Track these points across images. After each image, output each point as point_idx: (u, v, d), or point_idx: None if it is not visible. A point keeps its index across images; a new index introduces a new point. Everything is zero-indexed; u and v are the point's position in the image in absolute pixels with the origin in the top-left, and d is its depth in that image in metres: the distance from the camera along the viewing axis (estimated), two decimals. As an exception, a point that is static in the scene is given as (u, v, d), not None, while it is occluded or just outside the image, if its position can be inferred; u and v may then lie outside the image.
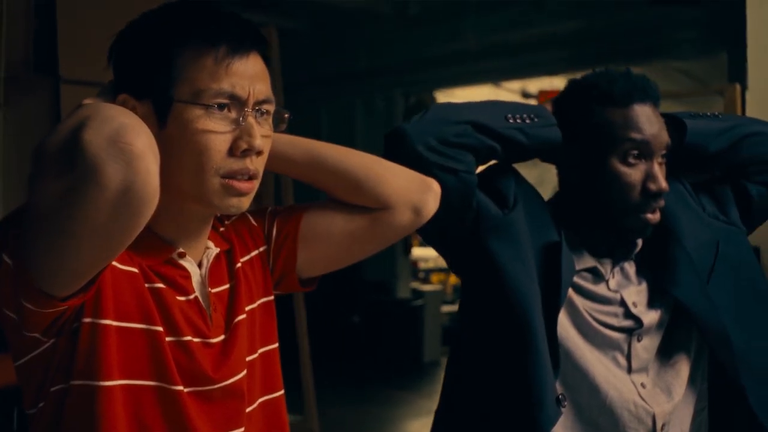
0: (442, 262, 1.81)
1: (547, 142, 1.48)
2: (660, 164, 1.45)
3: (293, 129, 1.16)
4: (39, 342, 1.00)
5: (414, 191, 1.27)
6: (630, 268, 1.53)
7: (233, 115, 1.04)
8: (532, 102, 8.93)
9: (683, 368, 1.50)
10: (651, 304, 1.50)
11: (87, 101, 1.00)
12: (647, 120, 1.44)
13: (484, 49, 7.35)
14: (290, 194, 4.33)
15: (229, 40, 1.04)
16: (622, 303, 1.48)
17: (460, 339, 1.57)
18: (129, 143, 0.85)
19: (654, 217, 1.45)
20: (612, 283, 1.50)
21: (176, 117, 1.03)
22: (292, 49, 6.18)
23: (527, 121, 1.45)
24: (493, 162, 1.54)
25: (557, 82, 9.26)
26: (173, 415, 1.06)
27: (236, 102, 1.04)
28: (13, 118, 3.84)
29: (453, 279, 11.92)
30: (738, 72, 4.11)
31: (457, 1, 6.95)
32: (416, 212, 1.26)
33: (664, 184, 1.44)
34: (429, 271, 10.07)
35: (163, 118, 1.03)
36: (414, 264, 9.79)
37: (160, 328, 1.06)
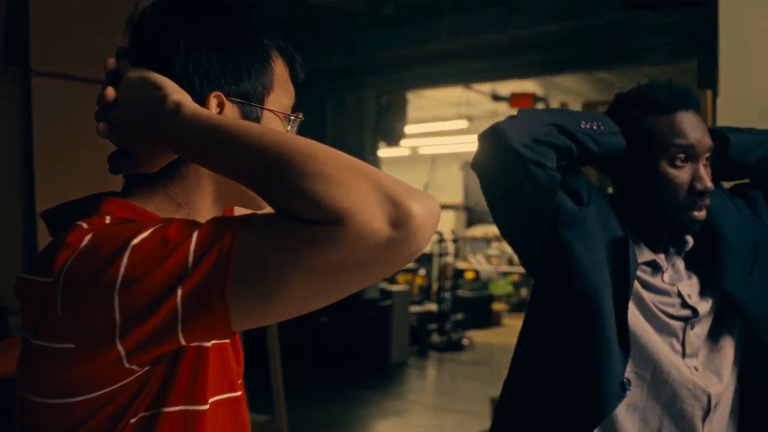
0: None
1: (613, 150, 1.61)
2: (705, 166, 1.60)
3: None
4: (129, 372, 0.87)
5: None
6: (680, 263, 1.67)
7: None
8: (504, 104, 8.98)
9: (729, 353, 1.65)
10: (701, 295, 1.65)
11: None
12: (691, 125, 1.59)
13: (457, 50, 7.36)
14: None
15: (296, 56, 1.08)
16: (679, 294, 1.63)
17: (527, 334, 1.69)
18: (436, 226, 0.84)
19: (701, 214, 1.60)
20: (666, 277, 1.64)
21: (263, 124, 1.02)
22: (264, 46, 6.13)
23: (595, 128, 1.59)
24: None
25: (529, 85, 9.31)
26: (239, 419, 1.04)
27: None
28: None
29: (419, 279, 11.95)
30: (708, 79, 4.14)
31: (432, 1, 6.95)
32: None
33: (709, 183, 1.58)
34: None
35: None
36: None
37: None
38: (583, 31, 6.68)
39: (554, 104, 8.81)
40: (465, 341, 10.08)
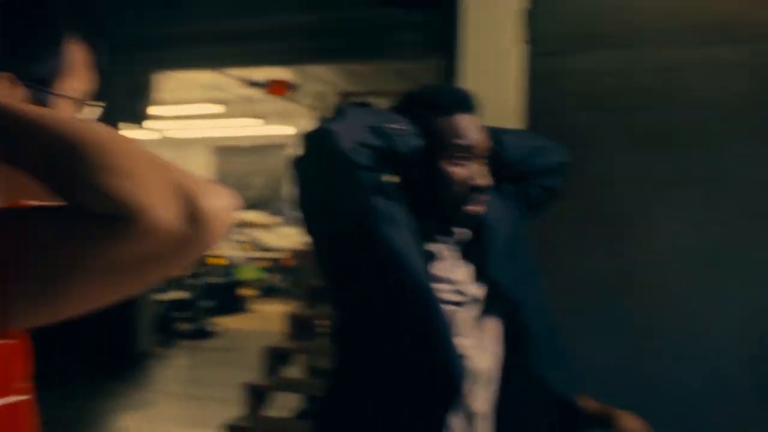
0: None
1: (414, 150, 1.67)
2: (482, 164, 1.71)
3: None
4: None
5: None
6: (454, 252, 1.76)
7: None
8: (259, 89, 8.96)
9: (495, 334, 1.76)
10: (474, 282, 1.75)
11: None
12: (469, 127, 1.69)
13: (211, 34, 7.24)
14: None
15: (99, 39, 1.02)
16: (455, 282, 1.72)
17: (348, 335, 1.74)
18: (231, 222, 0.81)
19: (478, 209, 1.71)
20: (444, 266, 1.73)
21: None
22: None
23: (403, 128, 1.65)
24: None
25: (283, 72, 9.36)
26: (18, 426, 0.95)
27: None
28: None
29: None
30: (450, 77, 4.40)
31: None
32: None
33: (487, 180, 1.71)
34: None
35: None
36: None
37: None
38: (337, 23, 6.82)
39: (309, 92, 8.95)
40: (214, 328, 9.98)
